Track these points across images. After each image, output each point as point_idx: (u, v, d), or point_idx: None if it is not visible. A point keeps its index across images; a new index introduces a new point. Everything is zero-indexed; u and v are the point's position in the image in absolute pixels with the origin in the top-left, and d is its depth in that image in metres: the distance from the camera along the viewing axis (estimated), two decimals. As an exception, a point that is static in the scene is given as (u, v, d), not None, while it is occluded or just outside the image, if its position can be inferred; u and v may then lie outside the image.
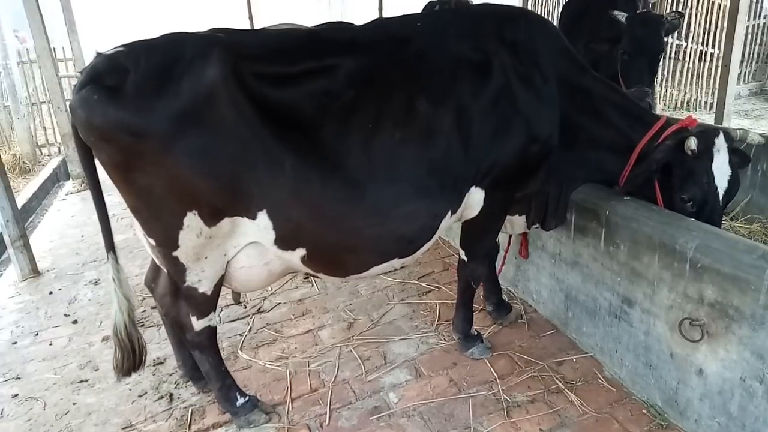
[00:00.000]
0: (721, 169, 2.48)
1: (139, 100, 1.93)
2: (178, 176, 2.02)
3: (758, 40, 10.27)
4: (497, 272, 3.49)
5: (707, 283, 2.24)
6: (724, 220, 3.59)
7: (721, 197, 2.51)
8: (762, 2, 9.78)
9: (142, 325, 3.55)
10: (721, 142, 2.47)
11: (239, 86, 2.02)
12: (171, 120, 1.95)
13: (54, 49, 7.23)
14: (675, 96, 9.57)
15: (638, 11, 4.37)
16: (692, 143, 2.41)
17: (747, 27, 9.61)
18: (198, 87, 1.97)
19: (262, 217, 2.18)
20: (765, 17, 10.12)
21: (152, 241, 2.22)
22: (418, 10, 5.56)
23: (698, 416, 2.39)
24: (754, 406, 2.13)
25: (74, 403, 2.92)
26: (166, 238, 2.17)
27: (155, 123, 1.94)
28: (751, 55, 10.27)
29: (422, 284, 3.95)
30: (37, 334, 3.60)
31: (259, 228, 2.21)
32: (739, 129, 2.62)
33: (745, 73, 10.14)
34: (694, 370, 2.38)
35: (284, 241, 2.26)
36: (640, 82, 3.77)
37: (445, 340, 3.28)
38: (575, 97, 2.65)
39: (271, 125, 2.07)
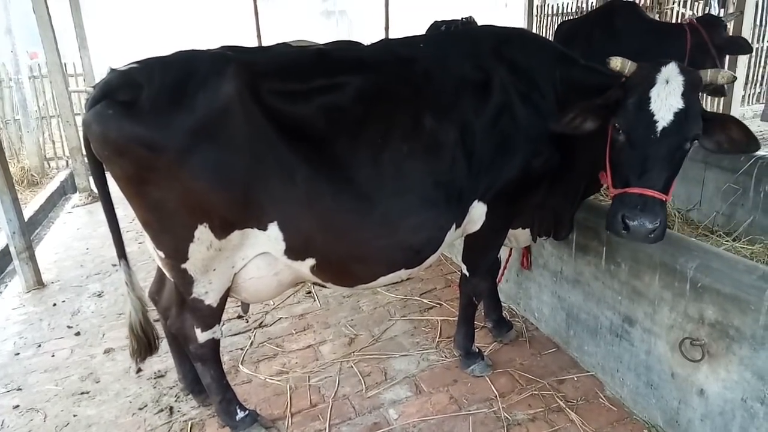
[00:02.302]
0: (661, 97, 2.13)
1: (154, 115, 1.97)
2: (191, 190, 2.06)
3: (762, 63, 10.33)
4: (497, 281, 3.48)
5: (708, 303, 2.24)
6: (726, 241, 3.59)
7: (659, 130, 2.11)
8: (766, 25, 9.85)
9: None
10: (670, 71, 2.18)
11: (254, 102, 2.07)
12: (186, 134, 1.99)
13: (65, 64, 7.36)
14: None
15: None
16: (615, 61, 2.25)
17: (750, 49, 9.67)
18: (213, 102, 2.02)
19: (273, 228, 2.22)
20: (768, 41, 10.19)
21: (161, 254, 2.25)
22: (423, 29, 5.66)
23: (699, 437, 2.38)
24: (755, 427, 2.11)
25: (75, 415, 2.92)
26: (176, 250, 2.20)
27: (170, 137, 1.98)
28: (755, 78, 10.33)
29: (424, 300, 3.95)
30: (39, 346, 3.62)
31: (269, 239, 2.25)
32: (709, 69, 2.26)
33: (749, 95, 10.18)
34: (695, 390, 2.37)
35: (294, 252, 2.30)
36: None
37: (446, 356, 3.27)
38: (571, 97, 2.50)
39: (284, 140, 2.12)
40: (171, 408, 2.93)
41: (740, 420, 2.18)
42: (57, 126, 8.77)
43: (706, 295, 2.24)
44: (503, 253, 3.44)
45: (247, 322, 3.79)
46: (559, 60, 2.67)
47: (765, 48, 10.21)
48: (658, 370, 2.56)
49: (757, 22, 9.30)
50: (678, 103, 2.11)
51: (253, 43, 7.88)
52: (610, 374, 2.89)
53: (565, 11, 10.93)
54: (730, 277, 2.17)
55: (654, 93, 2.15)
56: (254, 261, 2.35)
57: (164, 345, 3.32)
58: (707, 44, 3.98)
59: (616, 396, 2.85)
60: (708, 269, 2.25)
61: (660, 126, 2.11)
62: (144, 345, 2.54)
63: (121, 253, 2.41)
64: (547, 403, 2.83)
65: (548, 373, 3.07)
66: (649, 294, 2.54)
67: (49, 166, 8.78)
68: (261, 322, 3.77)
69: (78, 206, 6.86)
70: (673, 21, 8.71)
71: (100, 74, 8.68)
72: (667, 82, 2.15)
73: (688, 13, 9.09)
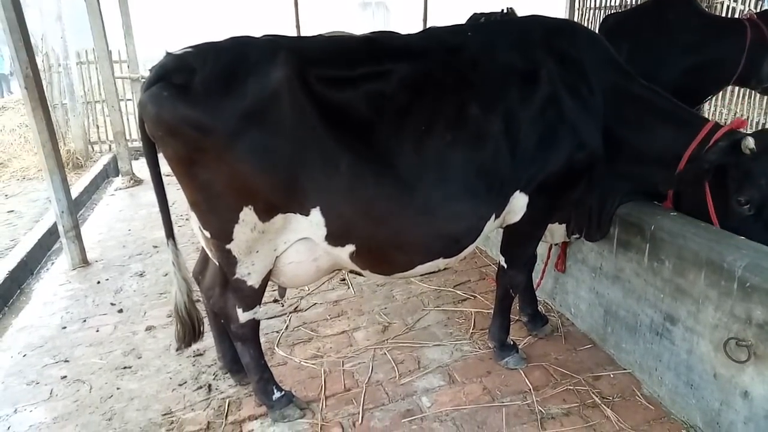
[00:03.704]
0: None
1: (207, 99, 2.02)
2: (238, 172, 2.11)
3: (816, 60, 9.89)
4: (537, 285, 3.47)
5: (756, 303, 2.18)
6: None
7: None
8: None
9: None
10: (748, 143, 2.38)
11: (302, 88, 2.10)
12: (236, 118, 2.03)
13: (110, 51, 7.57)
14: (725, 115, 9.31)
15: None
16: (751, 142, 2.34)
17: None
18: (263, 88, 2.06)
19: (315, 213, 2.25)
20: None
21: (207, 234, 2.31)
22: (462, 21, 5.61)
23: (742, 440, 2.32)
24: (803, 432, 2.06)
25: (118, 388, 3.03)
26: (221, 231, 2.25)
27: (221, 121, 2.03)
28: (807, 76, 9.91)
29: (458, 292, 3.95)
30: (84, 321, 3.76)
31: (311, 224, 2.28)
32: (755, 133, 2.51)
33: (799, 94, 9.78)
34: (738, 392, 2.31)
35: (335, 238, 2.33)
36: None
37: (479, 348, 3.27)
38: (622, 107, 2.63)
39: (330, 126, 2.15)
40: (209, 385, 3.02)
41: (786, 424, 2.12)
42: (101, 111, 9.04)
43: (755, 295, 2.18)
44: (542, 252, 3.42)
45: (283, 306, 3.86)
46: (615, 66, 2.68)
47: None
48: (699, 370, 2.51)
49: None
50: None
51: (292, 33, 7.95)
52: (648, 372, 2.84)
53: (608, 4, 10.65)
54: (782, 277, 2.10)
55: None
56: (295, 245, 2.39)
57: (204, 325, 3.43)
58: (767, 41, 3.83)
59: (654, 395, 2.80)
60: (758, 268, 2.19)
61: None
62: (188, 329, 2.55)
63: (170, 233, 2.47)
64: (582, 398, 2.81)
65: (584, 369, 3.03)
66: (694, 292, 2.49)
67: (93, 150, 9.07)
68: (296, 307, 3.83)
69: (120, 189, 7.07)
70: (724, 15, 8.40)
71: (143, 61, 8.91)
72: None
73: (740, 7, 8.75)
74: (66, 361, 3.30)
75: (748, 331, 2.23)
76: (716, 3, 8.68)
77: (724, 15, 8.42)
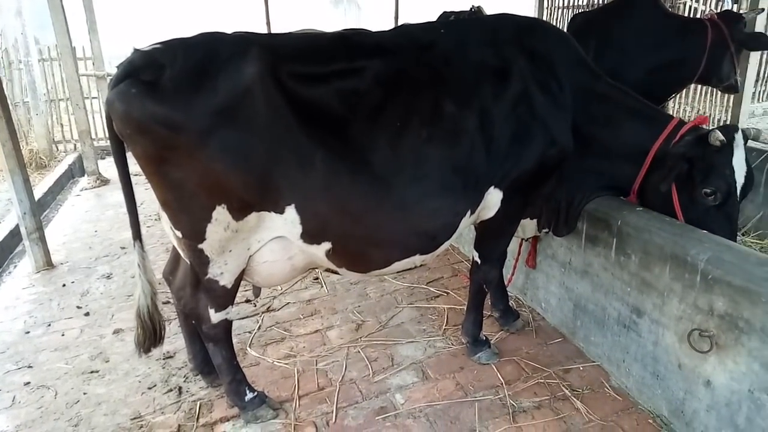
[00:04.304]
0: (739, 164, 2.49)
1: (177, 95, 1.99)
2: (211, 170, 2.07)
3: (773, 60, 10.26)
4: (508, 281, 3.51)
5: (718, 295, 2.25)
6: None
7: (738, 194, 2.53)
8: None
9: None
10: (739, 138, 2.50)
11: (275, 84, 2.08)
12: (208, 115, 2.00)
13: (74, 48, 7.36)
14: (688, 112, 9.56)
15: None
16: (720, 135, 2.42)
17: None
18: (235, 84, 2.03)
19: (290, 211, 2.24)
20: (781, 37, 10.09)
21: (179, 234, 2.27)
22: (433, 19, 5.63)
23: (705, 427, 2.39)
24: (762, 418, 2.13)
25: (84, 393, 2.96)
26: (193, 230, 2.22)
27: (192, 118, 2.00)
28: (765, 75, 10.27)
29: (431, 289, 3.97)
30: (49, 325, 3.66)
31: (286, 222, 2.26)
32: (752, 128, 2.63)
33: (759, 92, 10.13)
34: (701, 381, 2.38)
35: (310, 235, 2.32)
36: None
37: (452, 344, 3.29)
38: (590, 105, 2.69)
39: (304, 122, 2.14)
40: (180, 388, 2.97)
41: (746, 411, 2.19)
42: (65, 109, 8.79)
43: (716, 287, 2.24)
44: (513, 248, 3.46)
45: (255, 306, 3.82)
46: (583, 65, 2.73)
47: (777, 45, 10.12)
48: (665, 360, 2.58)
49: (770, 19, 9.22)
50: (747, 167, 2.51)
51: (262, 31, 7.86)
52: (616, 364, 2.91)
53: (576, 3, 10.84)
54: (742, 269, 2.17)
55: (737, 163, 2.49)
56: (269, 244, 2.37)
57: (173, 326, 3.38)
58: (727, 40, 3.95)
59: (622, 386, 2.87)
60: (719, 261, 2.26)
61: (739, 192, 2.52)
62: (150, 333, 2.49)
63: (137, 235, 2.42)
64: (553, 391, 2.85)
65: (554, 363, 3.09)
66: (659, 285, 2.55)
67: (57, 150, 8.81)
68: (269, 307, 3.80)
69: (86, 189, 6.89)
70: (686, 15, 8.63)
71: (109, 58, 8.69)
72: (738, 146, 2.49)
73: (701, 7, 9.01)
74: (29, 366, 3.20)
75: (710, 322, 2.30)
76: (679, 3, 8.92)
77: (686, 15, 8.66)
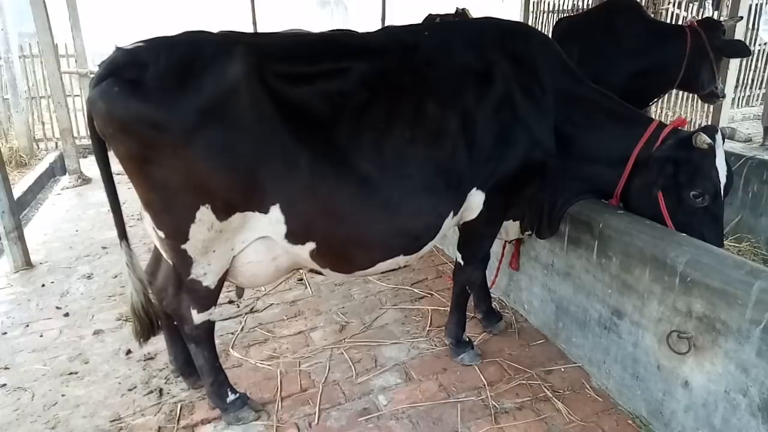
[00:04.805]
0: (721, 164, 2.52)
1: (161, 94, 1.97)
2: (195, 170, 2.06)
3: (753, 66, 10.47)
4: (491, 283, 3.53)
5: (696, 297, 2.28)
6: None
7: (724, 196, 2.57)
8: (757, 30, 9.96)
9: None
10: (719, 138, 2.52)
11: (260, 84, 2.07)
12: (191, 114, 1.99)
13: (56, 45, 7.24)
14: (670, 116, 9.72)
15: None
16: (706, 137, 2.43)
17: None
18: (220, 83, 2.02)
19: (275, 211, 2.23)
20: (760, 45, 10.30)
21: (161, 234, 2.25)
22: (419, 21, 5.65)
23: (682, 428, 2.43)
24: (737, 418, 2.16)
25: (63, 395, 2.91)
26: (176, 230, 2.20)
27: (176, 117, 1.98)
28: (746, 81, 10.48)
29: (415, 290, 3.98)
30: (27, 326, 3.59)
31: (270, 222, 2.26)
32: (727, 127, 2.67)
33: (739, 97, 10.32)
34: (680, 382, 2.42)
35: (295, 236, 2.31)
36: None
37: (436, 345, 3.30)
38: (572, 108, 2.71)
39: (289, 122, 2.13)
40: (161, 390, 2.93)
41: (723, 411, 2.23)
42: (47, 107, 8.66)
43: (695, 289, 2.28)
44: (497, 250, 3.48)
45: (238, 307, 3.79)
46: (566, 69, 2.75)
47: (756, 51, 10.33)
48: (644, 362, 2.61)
49: (749, 26, 9.40)
50: (727, 167, 2.54)
51: (248, 31, 7.82)
52: (597, 366, 2.94)
53: (561, 8, 10.96)
54: (720, 271, 2.21)
55: (719, 163, 2.50)
56: (253, 245, 2.36)
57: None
58: (706, 47, 4.01)
59: (602, 387, 2.90)
60: (698, 264, 2.29)
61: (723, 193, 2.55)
62: (147, 326, 2.51)
63: (122, 234, 2.39)
64: (535, 392, 2.88)
65: (536, 364, 3.11)
66: (639, 287, 2.58)
67: (38, 148, 8.67)
68: (252, 308, 3.77)
69: (67, 188, 6.79)
70: (668, 22, 8.77)
71: (92, 56, 8.58)
72: (719, 147, 2.50)
73: (683, 14, 9.15)
74: (6, 368, 3.15)
75: (688, 323, 2.34)
76: (661, 9, 9.05)
77: (668, 21, 8.79)
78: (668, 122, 2.67)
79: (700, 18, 4.88)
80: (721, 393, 2.22)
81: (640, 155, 2.63)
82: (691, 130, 2.63)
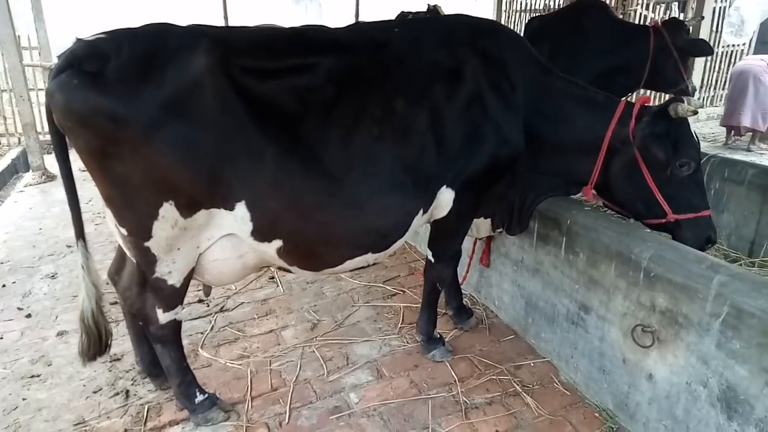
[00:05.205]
0: (694, 131, 2.58)
1: (122, 87, 1.92)
2: (157, 165, 2.01)
3: (716, 68, 10.78)
4: (462, 279, 3.56)
5: (659, 292, 2.34)
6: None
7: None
8: (721, 32, 10.25)
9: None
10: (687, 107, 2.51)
11: (225, 78, 2.03)
12: (154, 108, 1.94)
13: (19, 36, 7.02)
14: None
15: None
16: (685, 105, 2.42)
17: (706, 54, 10.07)
18: (184, 76, 1.98)
19: (240, 208, 2.19)
20: (723, 47, 10.61)
21: (124, 231, 2.19)
22: (393, 17, 5.64)
23: (647, 420, 2.49)
24: (698, 409, 2.22)
25: (24, 399, 2.83)
26: (139, 228, 2.15)
27: (138, 110, 1.93)
28: (710, 81, 10.79)
29: (387, 287, 3.98)
30: (-13, 328, 3.48)
31: (236, 219, 2.22)
32: (684, 96, 2.67)
33: (704, 98, 10.63)
34: (644, 375, 2.47)
35: (261, 233, 2.28)
36: None
37: (407, 342, 3.31)
38: (542, 101, 2.69)
39: (255, 118, 2.10)
40: (127, 391, 2.87)
41: (684, 402, 2.29)
42: (9, 101, 8.38)
43: (658, 284, 2.34)
44: (467, 247, 3.50)
45: (208, 306, 3.74)
46: (534, 62, 2.75)
47: (720, 53, 10.64)
48: (610, 356, 2.66)
49: (713, 29, 9.67)
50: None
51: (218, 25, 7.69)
52: (565, 360, 2.99)
53: (533, 8, 11.10)
54: (682, 266, 2.26)
55: (692, 129, 2.59)
56: (219, 242, 2.32)
57: (120, 328, 3.26)
58: (669, 47, 4.11)
59: (570, 381, 2.95)
60: (661, 259, 2.35)
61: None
62: (95, 340, 2.39)
63: (80, 233, 2.33)
64: (504, 387, 2.91)
65: (506, 359, 3.14)
66: (605, 282, 2.63)
67: (0, 144, 8.39)
68: (222, 307, 3.72)
69: (31, 185, 6.59)
70: (636, 22, 8.95)
71: (56, 48, 8.32)
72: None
73: (650, 15, 9.36)
74: (-36, 371, 3.04)
75: (652, 317, 2.39)
76: (630, 10, 9.24)
77: (636, 22, 8.98)
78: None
79: (666, 19, 5.00)
80: (683, 385, 2.28)
81: (614, 138, 2.60)
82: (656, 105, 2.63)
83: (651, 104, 2.67)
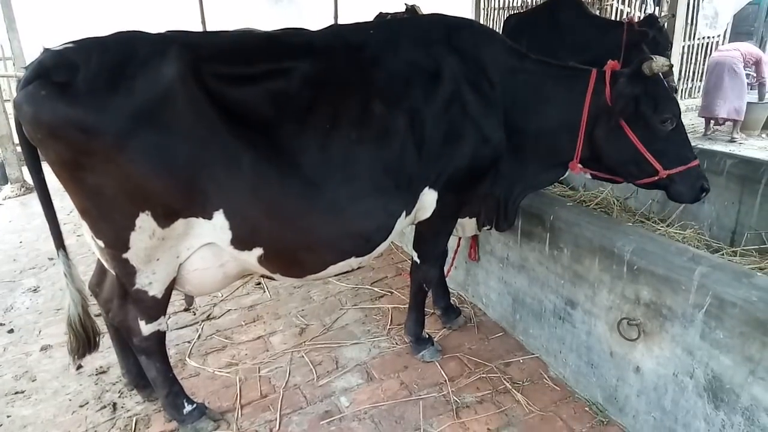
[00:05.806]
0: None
1: (91, 97, 1.89)
2: (131, 176, 1.98)
3: (694, 59, 10.93)
4: (447, 272, 3.55)
5: (643, 284, 2.36)
6: (660, 227, 3.78)
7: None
8: (696, 25, 10.40)
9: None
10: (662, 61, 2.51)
11: (197, 85, 2.01)
12: (124, 118, 1.91)
13: (-8, 47, 6.91)
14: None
15: None
16: (658, 61, 2.42)
17: (683, 47, 10.22)
18: (154, 85, 1.95)
19: (219, 216, 2.17)
20: (699, 39, 10.76)
21: (101, 243, 2.16)
22: (371, 18, 5.63)
23: (636, 412, 2.51)
24: (685, 400, 2.25)
25: (8, 416, 2.78)
26: (116, 239, 2.12)
27: (108, 121, 1.90)
28: (687, 73, 10.94)
29: (375, 289, 3.97)
30: (-32, 345, 3.41)
31: (215, 228, 2.20)
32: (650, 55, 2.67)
33: (681, 89, 10.76)
34: (631, 367, 2.50)
35: (241, 241, 2.25)
36: None
37: (396, 343, 3.31)
38: (519, 89, 2.65)
39: (229, 124, 2.07)
40: (114, 404, 2.84)
41: (672, 393, 2.31)
42: (-16, 113, 8.22)
43: (641, 277, 2.36)
44: (452, 243, 3.50)
45: (195, 314, 3.70)
46: (509, 53, 2.73)
47: (696, 45, 10.79)
48: (597, 349, 2.68)
49: (688, 21, 9.81)
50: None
51: (193, 30, 7.63)
52: (554, 355, 3.01)
53: (511, 5, 11.16)
54: (664, 259, 2.29)
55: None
56: (199, 252, 2.29)
57: (106, 340, 3.20)
58: (641, 43, 4.17)
59: (560, 376, 2.97)
60: (643, 252, 2.37)
61: None
62: (83, 341, 2.41)
63: (60, 244, 2.30)
64: (495, 385, 2.92)
65: (495, 357, 3.15)
66: (590, 277, 2.65)
67: (-24, 156, 8.23)
68: (209, 315, 3.69)
69: (9, 198, 6.49)
70: (613, 17, 9.05)
71: (30, 58, 8.17)
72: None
73: (627, 10, 9.46)
74: (-55, 391, 2.98)
75: (637, 310, 2.41)
76: (606, 5, 9.33)
77: (612, 17, 9.08)
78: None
79: (642, 14, 5.07)
80: (670, 376, 2.31)
81: (592, 108, 2.58)
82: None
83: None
